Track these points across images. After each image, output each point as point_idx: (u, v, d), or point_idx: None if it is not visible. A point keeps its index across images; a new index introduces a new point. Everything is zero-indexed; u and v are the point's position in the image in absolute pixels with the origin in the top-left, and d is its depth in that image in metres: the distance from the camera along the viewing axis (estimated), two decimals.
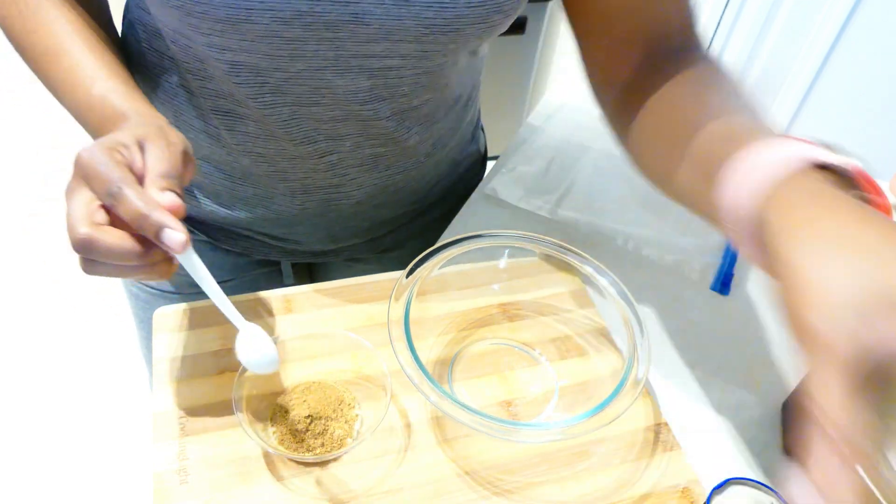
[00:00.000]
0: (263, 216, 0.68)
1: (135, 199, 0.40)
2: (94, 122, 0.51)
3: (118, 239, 0.41)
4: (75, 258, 0.43)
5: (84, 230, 0.40)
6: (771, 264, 0.32)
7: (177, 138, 0.46)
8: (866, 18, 1.48)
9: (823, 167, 0.35)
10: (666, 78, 0.50)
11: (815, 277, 0.28)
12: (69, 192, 0.42)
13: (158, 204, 0.41)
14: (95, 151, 0.41)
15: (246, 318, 0.47)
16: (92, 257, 0.41)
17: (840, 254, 0.29)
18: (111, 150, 0.42)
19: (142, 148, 0.44)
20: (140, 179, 0.43)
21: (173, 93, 0.60)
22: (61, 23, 0.53)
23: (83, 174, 0.42)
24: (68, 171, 0.43)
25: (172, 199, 0.42)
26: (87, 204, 0.41)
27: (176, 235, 0.41)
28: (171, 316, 0.59)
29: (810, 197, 0.32)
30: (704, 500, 0.52)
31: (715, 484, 0.55)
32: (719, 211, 0.38)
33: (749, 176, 0.36)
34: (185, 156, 0.46)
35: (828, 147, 0.35)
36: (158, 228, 0.41)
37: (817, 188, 0.33)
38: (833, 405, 0.26)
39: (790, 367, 0.63)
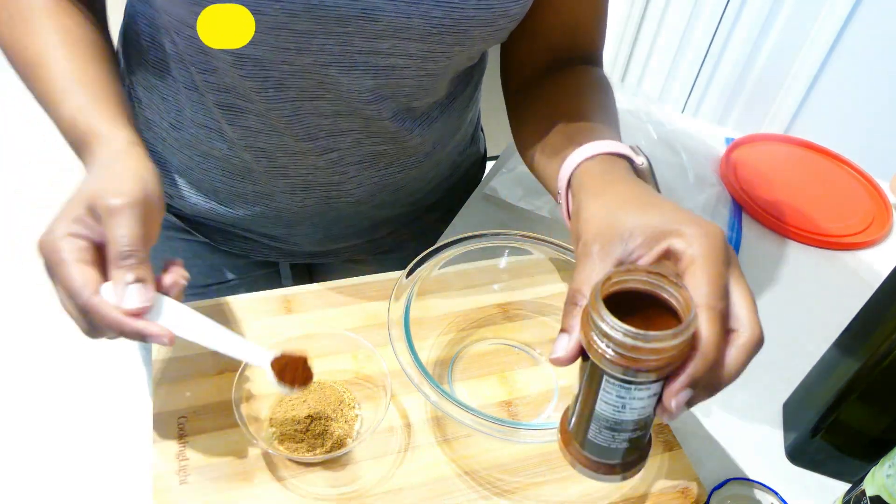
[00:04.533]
0: (263, 214, 0.68)
1: (105, 316, 0.42)
2: (70, 142, 0.51)
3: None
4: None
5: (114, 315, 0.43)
6: (574, 214, 0.47)
7: (131, 185, 0.44)
8: (866, 18, 1.48)
9: (620, 156, 0.49)
10: (556, 78, 0.61)
11: (596, 216, 0.44)
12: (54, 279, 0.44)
13: (125, 316, 0.43)
14: (55, 245, 0.43)
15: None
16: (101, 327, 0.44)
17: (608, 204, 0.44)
18: (67, 237, 0.43)
19: (94, 214, 0.44)
20: (101, 249, 0.44)
21: (175, 87, 0.60)
22: (47, 31, 0.51)
23: (48, 269, 0.44)
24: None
25: (139, 299, 0.43)
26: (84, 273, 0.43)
27: (159, 339, 0.43)
28: None
29: (601, 173, 0.48)
30: (704, 500, 0.52)
31: (715, 484, 0.55)
32: (554, 182, 0.52)
33: (570, 161, 0.50)
34: (143, 209, 0.44)
35: (631, 148, 0.50)
36: (139, 338, 0.44)
37: (608, 167, 0.48)
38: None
39: (790, 367, 0.62)
